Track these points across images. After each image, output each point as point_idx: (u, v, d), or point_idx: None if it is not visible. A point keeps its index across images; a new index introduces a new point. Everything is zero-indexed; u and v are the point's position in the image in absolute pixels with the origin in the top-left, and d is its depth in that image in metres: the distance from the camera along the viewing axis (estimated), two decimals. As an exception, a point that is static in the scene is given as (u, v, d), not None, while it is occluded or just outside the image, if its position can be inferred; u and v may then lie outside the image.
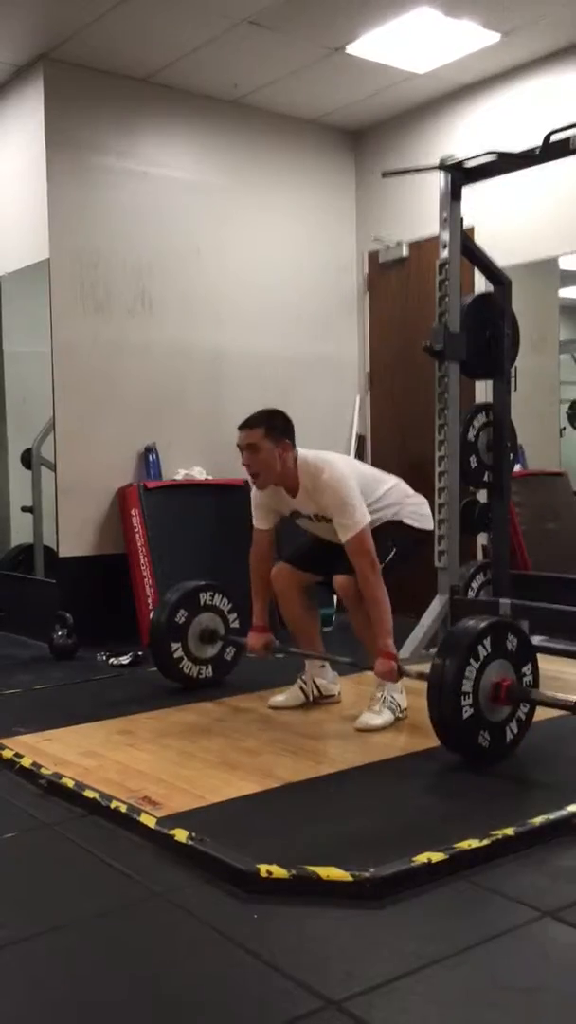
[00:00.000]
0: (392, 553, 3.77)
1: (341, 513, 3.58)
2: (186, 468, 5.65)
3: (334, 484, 3.60)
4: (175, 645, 4.22)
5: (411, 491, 3.96)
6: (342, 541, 3.60)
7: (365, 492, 3.69)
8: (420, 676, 3.35)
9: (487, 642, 3.16)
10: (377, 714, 3.64)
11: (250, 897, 2.31)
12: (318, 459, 3.68)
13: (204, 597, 4.31)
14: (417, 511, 3.91)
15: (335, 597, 5.84)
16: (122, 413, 5.51)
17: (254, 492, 3.91)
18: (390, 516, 3.82)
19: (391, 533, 3.78)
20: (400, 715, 3.70)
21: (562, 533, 5.65)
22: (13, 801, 3.01)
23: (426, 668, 3.30)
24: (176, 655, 4.22)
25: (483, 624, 3.20)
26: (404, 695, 3.75)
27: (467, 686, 3.09)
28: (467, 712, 3.09)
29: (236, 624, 4.35)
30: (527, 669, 3.29)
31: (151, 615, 4.48)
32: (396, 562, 3.79)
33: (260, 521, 3.93)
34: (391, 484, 3.90)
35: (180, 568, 5.06)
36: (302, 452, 3.73)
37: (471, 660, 3.11)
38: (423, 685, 4.19)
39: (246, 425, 3.72)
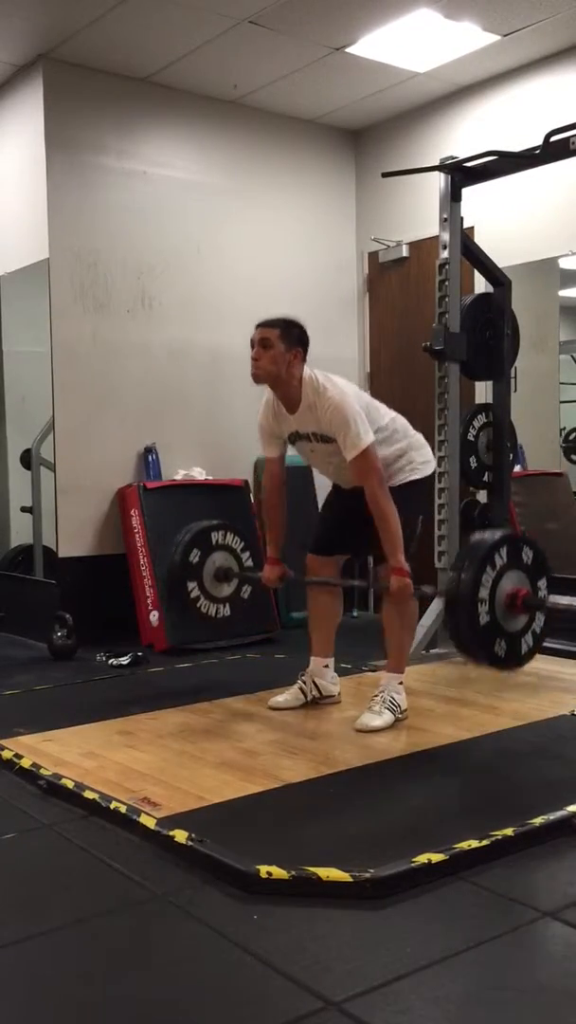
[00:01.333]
0: (419, 522, 3.77)
1: (346, 429, 3.53)
2: (186, 468, 5.65)
3: (339, 399, 3.57)
4: (191, 584, 4.13)
5: (410, 428, 3.89)
6: (347, 459, 3.55)
7: (371, 417, 3.65)
8: (436, 592, 3.35)
9: (503, 551, 3.17)
10: (377, 715, 3.64)
11: (250, 898, 2.30)
12: (325, 377, 3.66)
13: (216, 536, 4.20)
14: (421, 456, 3.84)
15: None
16: (122, 413, 5.51)
17: (260, 420, 3.86)
18: (402, 465, 3.74)
19: (408, 499, 3.70)
20: (400, 715, 3.69)
21: (562, 533, 5.65)
22: (13, 802, 3.00)
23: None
24: (193, 595, 4.13)
25: (499, 535, 3.22)
26: (404, 695, 3.75)
27: (483, 593, 3.09)
28: (484, 619, 3.09)
29: (249, 562, 4.27)
30: (542, 584, 3.30)
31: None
32: (422, 526, 3.80)
33: (267, 448, 3.89)
34: (393, 415, 3.84)
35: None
36: (310, 371, 3.69)
37: (488, 568, 3.12)
38: (421, 684, 4.22)
39: (265, 323, 3.70)
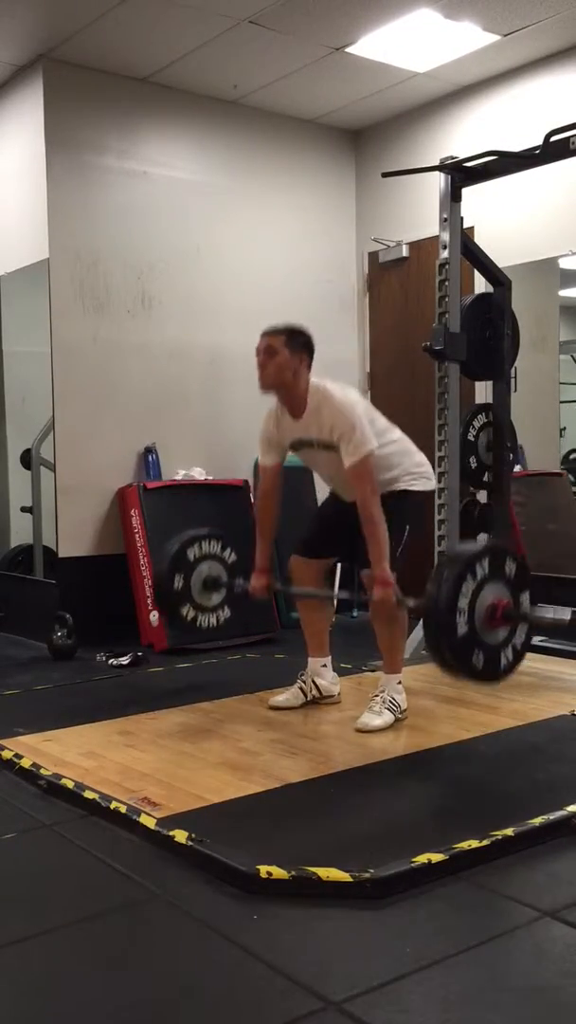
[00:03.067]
0: (407, 533, 3.74)
1: (349, 434, 3.53)
2: (186, 468, 5.65)
3: (346, 405, 3.58)
4: (184, 609, 4.06)
5: (414, 447, 3.89)
6: (346, 465, 3.55)
7: (376, 429, 3.65)
8: (417, 604, 3.29)
9: (484, 563, 3.10)
10: (377, 714, 3.64)
11: (250, 898, 2.30)
12: (333, 384, 3.67)
13: (193, 553, 4.08)
14: (420, 470, 3.84)
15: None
16: (122, 413, 5.51)
17: (262, 428, 3.86)
18: (397, 475, 3.74)
19: (401, 510, 3.71)
20: (400, 715, 3.69)
21: (562, 533, 5.65)
22: (13, 802, 3.00)
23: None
24: (189, 616, 4.07)
25: (481, 546, 3.15)
26: (404, 695, 3.75)
27: (463, 603, 3.01)
28: (462, 629, 3.01)
29: (233, 558, 4.19)
30: (524, 597, 3.21)
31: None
32: (411, 539, 3.77)
33: (265, 456, 3.89)
34: (399, 435, 3.85)
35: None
36: (316, 379, 3.70)
37: (468, 577, 3.04)
38: (421, 684, 4.21)
39: (269, 331, 3.72)
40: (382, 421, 3.78)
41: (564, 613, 3.29)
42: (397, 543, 3.62)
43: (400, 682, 3.75)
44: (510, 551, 3.27)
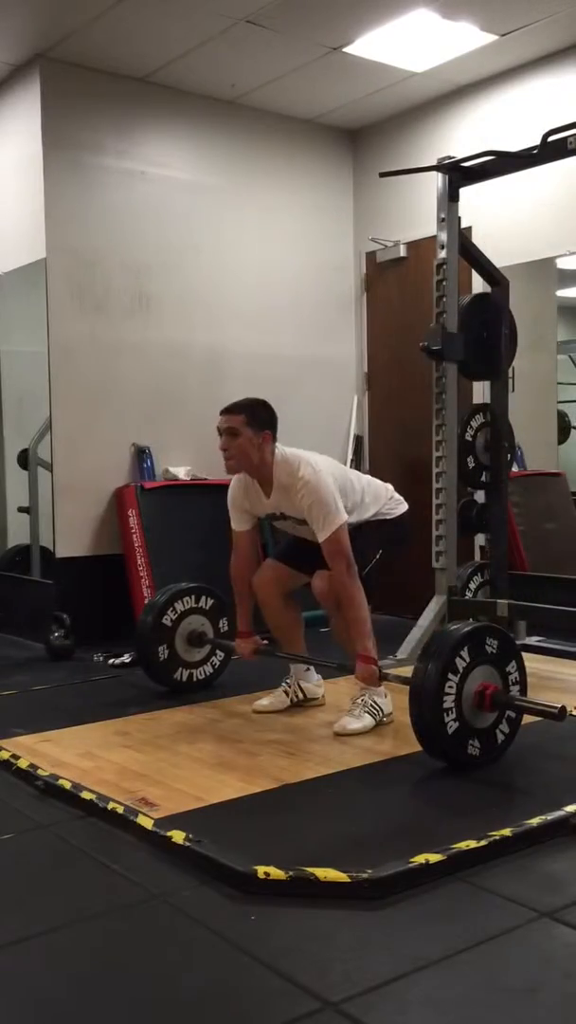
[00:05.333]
0: (379, 554, 3.76)
1: (318, 511, 3.51)
2: (183, 469, 5.64)
3: (312, 481, 3.54)
4: (162, 651, 4.19)
5: (391, 490, 3.91)
6: (319, 541, 3.55)
7: (344, 491, 3.64)
8: (403, 681, 3.30)
9: (465, 652, 3.08)
10: (356, 718, 3.61)
11: (248, 898, 2.30)
12: (297, 456, 3.62)
13: (180, 605, 4.25)
14: (391, 505, 3.86)
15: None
16: (119, 413, 5.50)
17: (230, 494, 3.87)
18: (368, 517, 3.77)
19: (373, 534, 3.74)
20: (383, 719, 3.65)
21: (560, 533, 5.65)
22: (10, 802, 3.00)
23: (409, 672, 3.24)
24: (174, 673, 4.24)
25: (460, 632, 3.12)
26: (388, 699, 3.70)
27: (448, 702, 3.01)
28: (452, 727, 3.03)
29: (224, 628, 4.32)
30: (512, 667, 3.21)
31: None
32: (385, 558, 3.78)
33: (236, 522, 3.89)
34: (367, 482, 3.85)
35: (177, 569, 5.04)
36: (281, 449, 3.67)
37: (450, 674, 3.03)
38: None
39: (228, 410, 3.68)
40: (351, 479, 3.77)
41: (553, 706, 3.25)
42: (366, 562, 3.65)
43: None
44: (490, 628, 3.25)
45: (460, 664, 3.07)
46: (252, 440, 3.61)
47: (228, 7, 4.63)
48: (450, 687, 3.03)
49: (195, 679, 4.29)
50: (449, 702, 3.02)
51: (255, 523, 3.92)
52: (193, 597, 4.28)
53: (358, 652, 3.54)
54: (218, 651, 4.34)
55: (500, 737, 3.17)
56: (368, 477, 3.96)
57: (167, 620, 4.19)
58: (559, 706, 3.03)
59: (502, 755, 3.19)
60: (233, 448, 3.63)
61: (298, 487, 3.56)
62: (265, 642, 4.06)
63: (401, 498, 3.95)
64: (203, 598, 4.30)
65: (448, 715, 3.02)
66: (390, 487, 3.96)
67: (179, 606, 4.23)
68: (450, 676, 3.04)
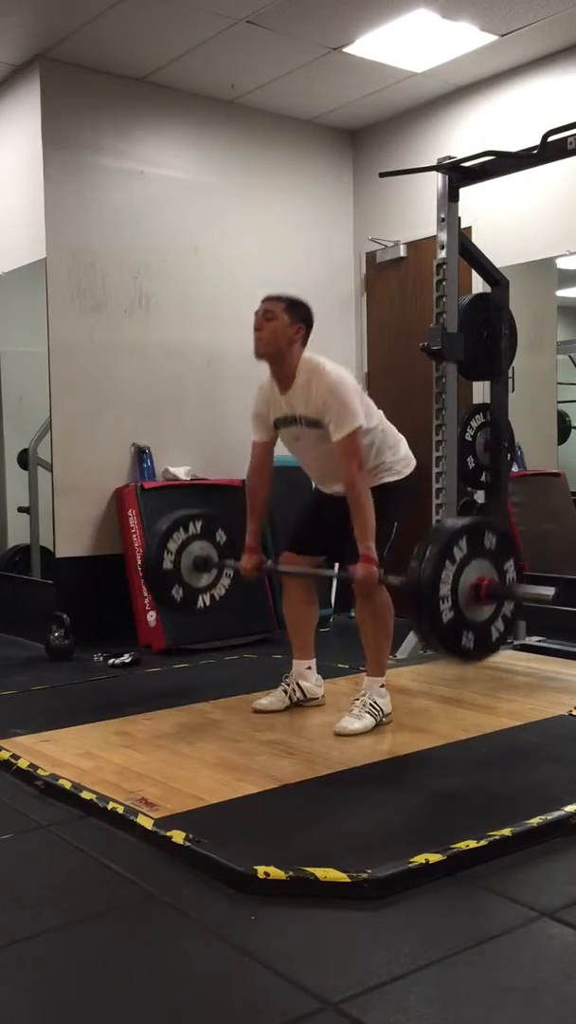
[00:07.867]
0: (394, 529, 3.71)
1: (337, 407, 3.48)
2: (183, 468, 5.64)
3: (337, 379, 3.53)
4: (175, 589, 4.06)
5: (396, 436, 3.83)
6: (333, 439, 3.50)
7: (365, 411, 3.61)
8: (400, 583, 3.21)
9: (463, 542, 3.04)
10: (357, 718, 3.60)
11: (247, 898, 2.30)
12: (326, 361, 3.62)
13: (178, 535, 4.09)
14: (400, 465, 3.78)
15: (332, 597, 5.87)
16: (119, 413, 5.50)
17: (254, 402, 3.83)
18: (377, 470, 3.68)
19: (386, 504, 3.64)
20: (383, 720, 3.64)
21: (559, 533, 5.65)
22: (10, 802, 3.00)
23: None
24: (179, 596, 4.08)
25: (460, 523, 3.10)
26: (388, 699, 3.69)
27: (445, 590, 2.96)
28: (447, 615, 2.98)
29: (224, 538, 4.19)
30: (509, 566, 3.16)
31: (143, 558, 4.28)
32: (398, 529, 3.74)
33: (257, 432, 3.86)
34: (384, 424, 3.80)
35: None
36: (312, 354, 3.65)
37: (447, 563, 2.99)
38: (419, 684, 4.21)
39: (270, 296, 3.68)
40: (371, 406, 3.73)
41: (548, 590, 3.23)
42: (385, 539, 3.59)
43: (383, 685, 3.70)
44: (489, 523, 3.21)
45: (458, 554, 3.02)
46: (286, 328, 3.60)
47: (228, 7, 4.64)
48: (447, 575, 2.99)
49: (216, 598, 4.17)
50: (445, 590, 2.98)
51: (272, 436, 3.85)
52: (183, 529, 4.11)
53: (360, 552, 3.46)
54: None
55: (495, 634, 3.12)
56: (389, 424, 3.86)
57: (167, 564, 4.04)
58: (552, 591, 3.02)
59: (495, 652, 3.16)
60: (267, 330, 3.61)
61: (320, 383, 3.53)
62: (269, 562, 3.99)
63: (409, 453, 3.86)
64: (191, 524, 4.12)
65: (444, 603, 2.97)
66: (401, 438, 3.86)
67: (172, 546, 4.05)
68: (447, 564, 2.99)
